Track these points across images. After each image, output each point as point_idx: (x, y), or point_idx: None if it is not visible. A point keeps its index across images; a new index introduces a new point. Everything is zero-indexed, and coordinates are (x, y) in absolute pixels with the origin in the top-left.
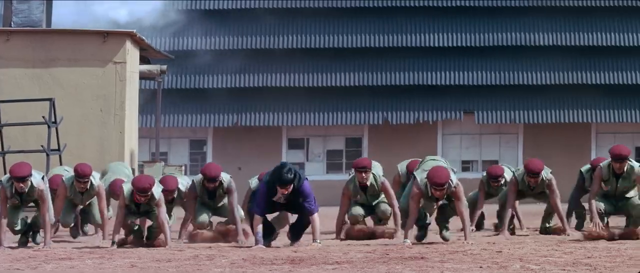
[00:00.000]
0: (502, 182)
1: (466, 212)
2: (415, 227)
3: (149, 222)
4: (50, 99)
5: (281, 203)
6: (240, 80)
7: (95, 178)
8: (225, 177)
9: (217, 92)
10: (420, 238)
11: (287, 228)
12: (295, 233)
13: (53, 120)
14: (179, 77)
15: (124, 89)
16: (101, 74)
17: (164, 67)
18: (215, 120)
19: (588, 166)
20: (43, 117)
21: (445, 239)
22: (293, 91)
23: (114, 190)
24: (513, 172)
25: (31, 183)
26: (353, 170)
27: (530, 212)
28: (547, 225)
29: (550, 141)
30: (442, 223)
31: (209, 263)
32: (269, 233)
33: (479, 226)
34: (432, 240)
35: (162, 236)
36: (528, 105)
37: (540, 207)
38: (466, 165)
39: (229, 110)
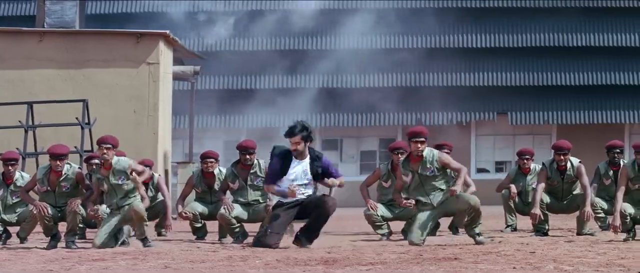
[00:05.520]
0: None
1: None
2: None
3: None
4: (83, 100)
5: (299, 205)
6: (274, 81)
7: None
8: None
9: (252, 93)
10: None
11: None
12: (311, 232)
13: (86, 121)
14: (214, 78)
15: (158, 90)
16: (134, 74)
17: (198, 67)
18: (250, 121)
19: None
20: (76, 118)
21: (478, 242)
22: (325, 92)
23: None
24: (543, 163)
25: (70, 165)
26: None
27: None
28: (584, 231)
29: (584, 142)
30: (470, 227)
31: (243, 264)
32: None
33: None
34: (467, 241)
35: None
36: (561, 106)
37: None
38: (500, 166)
39: (265, 111)
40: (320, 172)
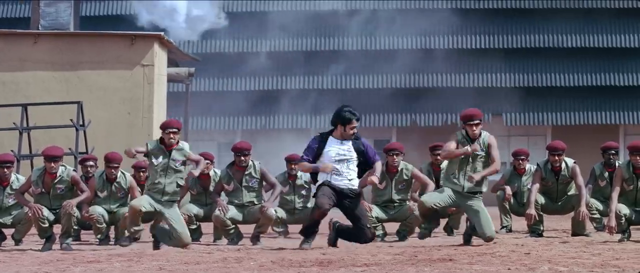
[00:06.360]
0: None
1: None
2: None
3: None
4: (78, 102)
5: (342, 195)
6: (267, 82)
7: (127, 174)
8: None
9: (244, 95)
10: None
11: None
12: (343, 236)
13: (81, 123)
14: (205, 80)
15: (152, 92)
16: (129, 76)
17: (192, 69)
18: (243, 122)
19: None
20: (71, 120)
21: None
22: (320, 93)
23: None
24: (538, 163)
25: (64, 167)
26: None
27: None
28: (581, 232)
29: (579, 143)
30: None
31: (237, 266)
32: (311, 233)
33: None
34: (462, 242)
35: None
36: (556, 106)
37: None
38: None
39: (257, 112)
40: (364, 149)
